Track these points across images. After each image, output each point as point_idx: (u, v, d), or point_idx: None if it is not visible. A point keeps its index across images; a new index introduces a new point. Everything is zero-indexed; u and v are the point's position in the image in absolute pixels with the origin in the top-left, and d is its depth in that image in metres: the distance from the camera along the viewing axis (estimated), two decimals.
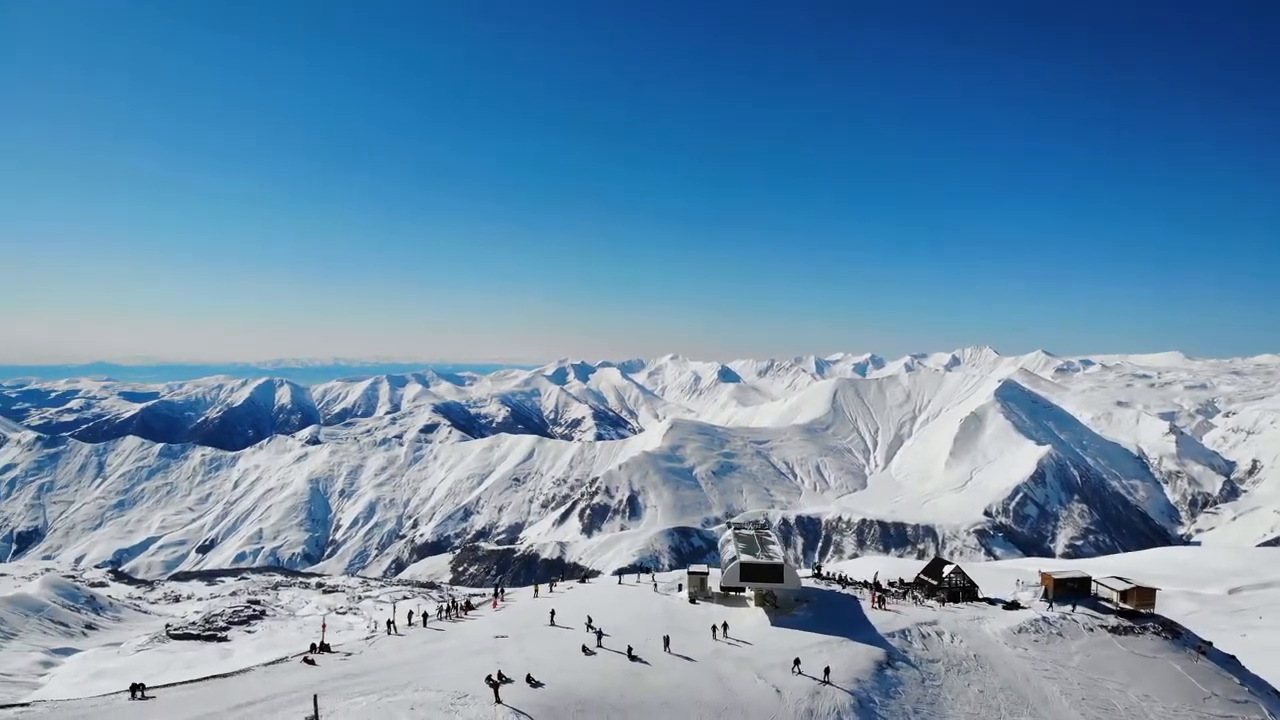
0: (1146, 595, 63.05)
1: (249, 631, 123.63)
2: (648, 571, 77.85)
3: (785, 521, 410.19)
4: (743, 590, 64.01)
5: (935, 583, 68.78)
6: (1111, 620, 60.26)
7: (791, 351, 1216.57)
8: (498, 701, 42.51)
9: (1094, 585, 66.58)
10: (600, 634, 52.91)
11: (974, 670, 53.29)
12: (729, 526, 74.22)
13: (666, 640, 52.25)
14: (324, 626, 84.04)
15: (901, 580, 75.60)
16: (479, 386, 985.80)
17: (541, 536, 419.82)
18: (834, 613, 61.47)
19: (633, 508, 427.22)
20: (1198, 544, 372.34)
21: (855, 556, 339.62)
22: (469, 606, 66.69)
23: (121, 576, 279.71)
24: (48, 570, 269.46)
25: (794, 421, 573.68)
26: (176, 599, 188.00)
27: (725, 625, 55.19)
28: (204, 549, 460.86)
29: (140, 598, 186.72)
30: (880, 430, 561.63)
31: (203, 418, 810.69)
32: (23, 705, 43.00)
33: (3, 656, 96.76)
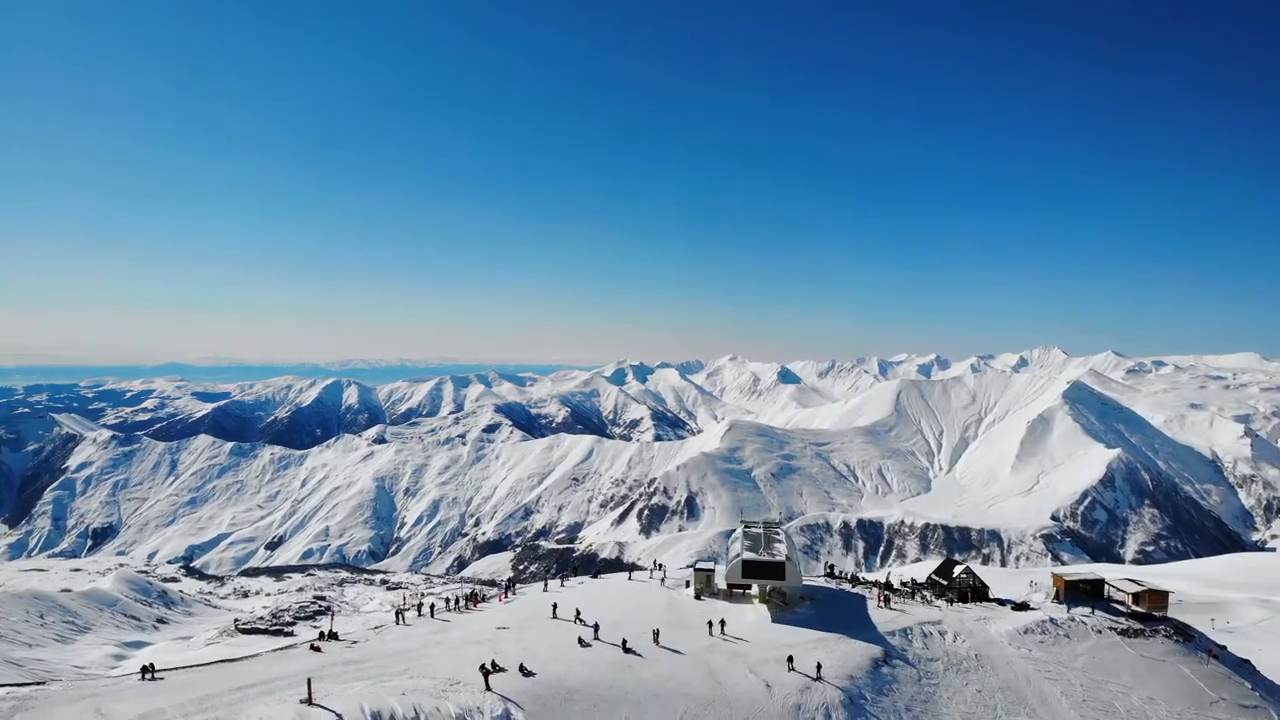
0: (1159, 598, 62.02)
1: (314, 627, 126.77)
2: (660, 567, 78.44)
3: (846, 525, 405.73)
4: (748, 587, 64.50)
5: (945, 583, 68.40)
6: (1122, 623, 59.47)
7: (854, 352, 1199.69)
8: (487, 689, 43.87)
9: (1107, 588, 65.45)
10: (596, 627, 54.02)
11: (974, 670, 53.10)
12: (743, 525, 74.64)
13: (656, 633, 53.18)
14: (332, 616, 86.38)
15: (913, 580, 75.15)
16: (539, 387, 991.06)
17: (600, 536, 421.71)
18: (837, 611, 61.67)
19: (691, 509, 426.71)
20: (1273, 550, 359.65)
21: (918, 560, 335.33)
22: (479, 599, 68.23)
23: (193, 572, 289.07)
24: (121, 566, 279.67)
25: (855, 423, 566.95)
26: (245, 594, 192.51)
27: (723, 622, 55.89)
28: (272, 546, 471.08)
29: (210, 593, 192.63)
30: (944, 433, 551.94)
31: (272, 417, 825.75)
32: (38, 684, 45.67)
33: (77, 649, 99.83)
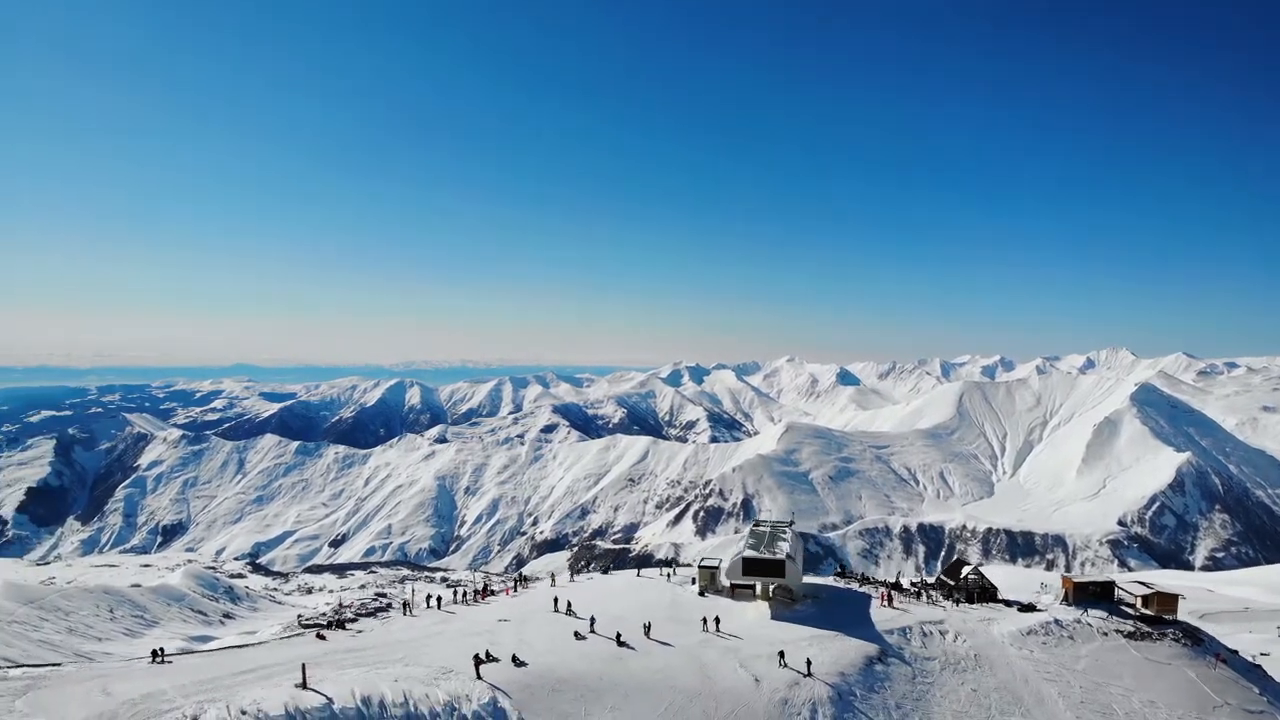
0: (1168, 601, 60.97)
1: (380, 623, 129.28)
2: (669, 565, 79.34)
3: (906, 529, 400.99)
4: (752, 585, 64.95)
5: (953, 583, 68.01)
6: (1129, 625, 58.65)
7: (915, 353, 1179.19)
8: (478, 678, 45.32)
9: (1117, 590, 64.48)
10: (593, 620, 55.13)
11: (971, 670, 52.98)
12: (752, 525, 75.08)
13: (648, 627, 54.14)
14: (340, 604, 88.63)
15: (923, 581, 74.81)
16: (596, 388, 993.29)
17: (656, 537, 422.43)
18: (839, 609, 61.93)
19: (746, 511, 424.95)
20: None
21: (980, 566, 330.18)
22: (488, 592, 69.74)
23: (258, 568, 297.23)
24: (189, 562, 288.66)
25: (916, 426, 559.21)
26: (309, 591, 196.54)
27: (718, 619, 56.54)
28: (336, 543, 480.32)
29: (275, 589, 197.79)
30: (1008, 435, 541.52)
31: (337, 417, 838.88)
32: (53, 665, 48.26)
33: (145, 643, 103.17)
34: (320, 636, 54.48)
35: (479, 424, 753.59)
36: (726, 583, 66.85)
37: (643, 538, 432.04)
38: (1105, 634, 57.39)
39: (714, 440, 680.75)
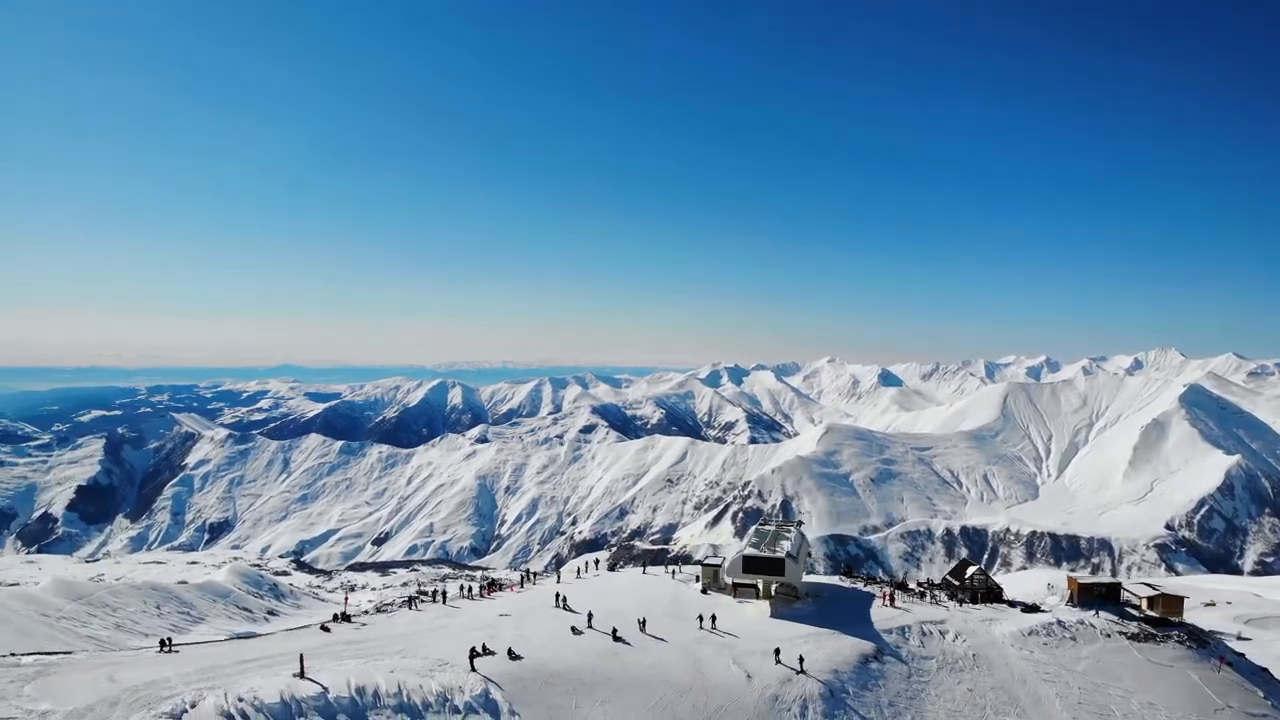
0: (1173, 603, 60.40)
1: None
2: (676, 563, 79.96)
3: (949, 532, 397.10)
4: (755, 584, 65.29)
5: (958, 583, 67.72)
6: (1133, 627, 58.15)
7: (959, 354, 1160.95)
8: (472, 670, 46.32)
9: (1124, 592, 63.83)
10: (590, 615, 55.90)
11: (969, 669, 52.93)
12: (761, 523, 75.45)
13: (643, 622, 54.70)
14: (346, 599, 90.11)
15: (930, 581, 74.55)
16: (635, 388, 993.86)
17: (695, 538, 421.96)
18: (840, 608, 62.10)
19: (786, 512, 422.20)
20: None
21: (1024, 569, 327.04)
22: (495, 587, 70.80)
23: (303, 566, 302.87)
24: (235, 559, 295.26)
25: (960, 428, 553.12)
26: (352, 588, 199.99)
27: (714, 616, 56.97)
28: (379, 541, 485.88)
29: (319, 586, 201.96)
30: (1053, 437, 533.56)
31: (380, 417, 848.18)
32: (66, 653, 50.10)
33: (190, 639, 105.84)
34: (325, 629, 55.90)
35: (519, 424, 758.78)
36: (729, 581, 67.34)
37: (681, 538, 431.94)
38: (1108, 635, 57.02)
39: (753, 441, 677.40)
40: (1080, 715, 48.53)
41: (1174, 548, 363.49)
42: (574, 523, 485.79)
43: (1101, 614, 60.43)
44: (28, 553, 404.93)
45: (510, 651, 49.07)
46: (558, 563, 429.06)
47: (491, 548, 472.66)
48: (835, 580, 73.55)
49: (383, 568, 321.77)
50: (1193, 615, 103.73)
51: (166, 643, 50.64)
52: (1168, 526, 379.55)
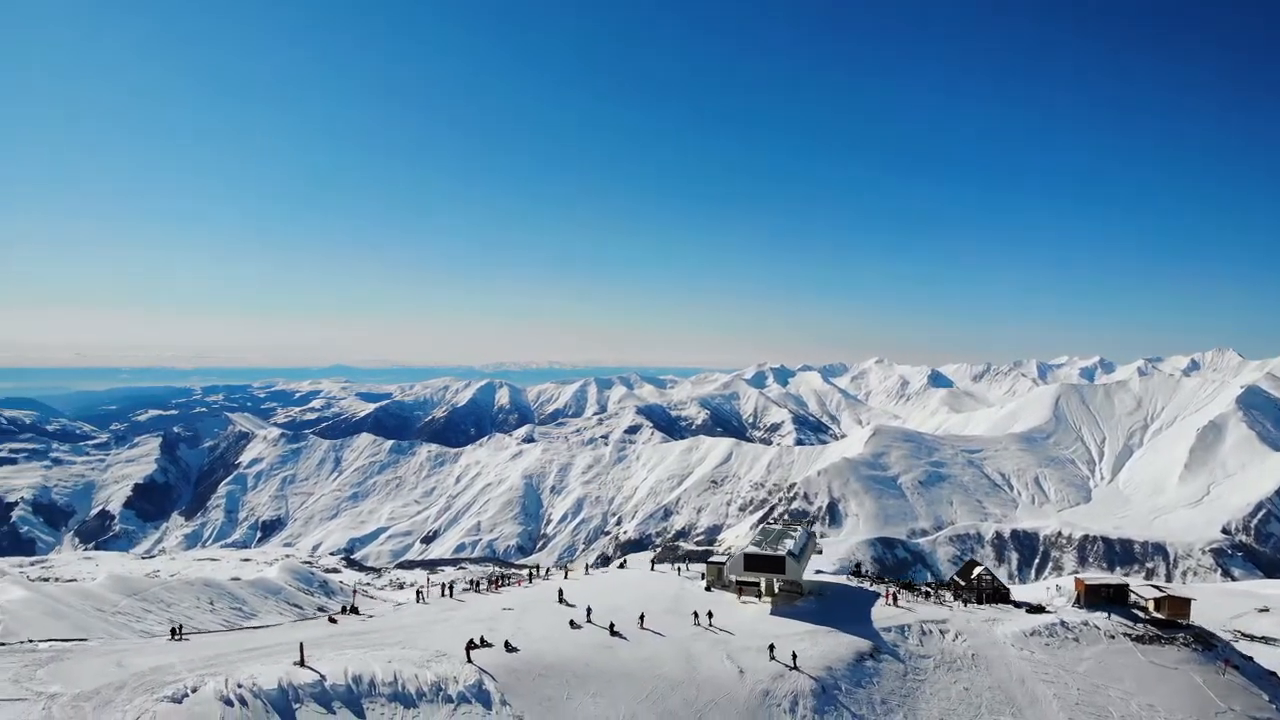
0: (1180, 605, 59.49)
1: None
2: (685, 560, 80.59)
3: (999, 536, 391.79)
4: (757, 581, 65.75)
5: (964, 584, 67.45)
6: (1138, 629, 57.53)
7: (1011, 354, 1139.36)
8: (469, 661, 47.45)
9: (1131, 594, 63.03)
10: (589, 610, 56.89)
11: (967, 669, 52.86)
12: (767, 522, 75.95)
13: (641, 617, 55.40)
14: (355, 592, 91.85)
15: (937, 581, 74.29)
16: (679, 389, 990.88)
17: (740, 539, 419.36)
18: (840, 606, 62.30)
19: (832, 515, 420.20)
20: None
21: (1075, 574, 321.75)
22: (502, 582, 71.99)
23: (353, 564, 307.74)
24: (287, 556, 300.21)
25: (1010, 430, 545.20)
26: (400, 586, 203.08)
27: (710, 613, 57.58)
28: (428, 539, 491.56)
29: (368, 584, 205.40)
30: (1107, 440, 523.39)
31: (429, 417, 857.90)
32: (80, 639, 52.17)
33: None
34: (333, 620, 57.57)
35: (564, 424, 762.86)
36: (732, 578, 67.87)
37: (725, 539, 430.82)
38: (1112, 637, 56.50)
39: (799, 443, 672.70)
40: (1077, 716, 48.27)
41: (1230, 552, 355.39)
42: (619, 523, 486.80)
43: (1106, 615, 59.83)
44: (85, 549, 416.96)
45: (507, 644, 50.20)
46: (603, 563, 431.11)
47: (538, 547, 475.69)
48: (843, 579, 73.57)
49: (431, 565, 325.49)
50: (1247, 622, 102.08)
51: (177, 631, 52.57)
52: (1224, 531, 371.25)
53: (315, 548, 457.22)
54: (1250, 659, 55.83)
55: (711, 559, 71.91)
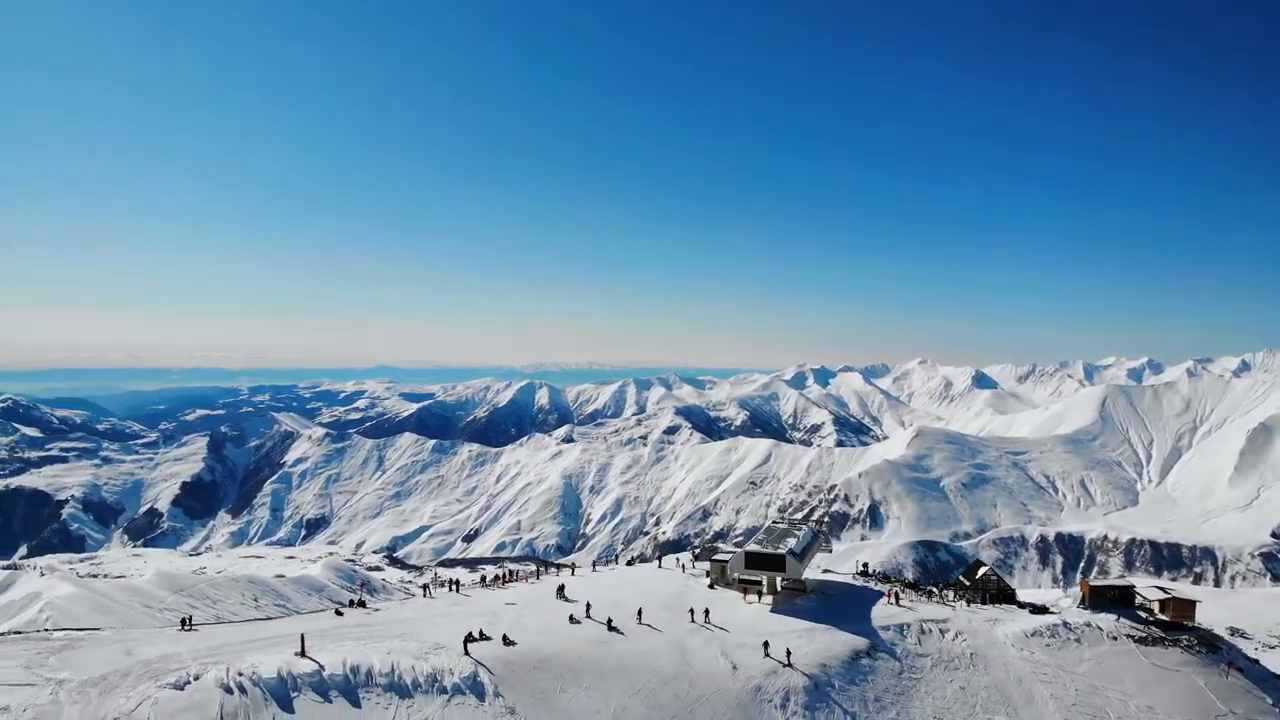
0: (1184, 607, 58.88)
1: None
2: (697, 559, 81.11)
3: (1043, 539, 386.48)
4: (759, 579, 66.18)
5: (969, 584, 67.24)
6: (1141, 630, 57.09)
7: (1057, 355, 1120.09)
8: (466, 653, 48.53)
9: (1137, 596, 62.43)
10: (588, 606, 57.77)
11: (964, 668, 52.86)
12: (774, 522, 76.38)
13: (640, 613, 56.05)
14: (362, 585, 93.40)
15: (944, 581, 74.08)
16: (718, 390, 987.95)
17: None
18: (841, 604, 62.51)
19: (873, 517, 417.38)
20: None
21: (1121, 578, 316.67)
22: (511, 578, 73.16)
23: (395, 562, 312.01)
24: (331, 554, 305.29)
25: (1056, 431, 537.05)
26: (441, 584, 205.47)
27: (707, 610, 58.18)
28: (469, 538, 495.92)
29: (410, 581, 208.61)
30: (1154, 442, 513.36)
31: (471, 416, 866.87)
32: (93, 629, 54.01)
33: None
34: (339, 613, 59.01)
35: (603, 424, 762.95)
36: (735, 576, 68.34)
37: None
38: (1115, 638, 56.11)
39: (840, 444, 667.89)
40: (1073, 716, 48.14)
41: None
42: (657, 523, 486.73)
43: (1110, 616, 59.42)
44: (134, 547, 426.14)
45: (505, 637, 51.21)
46: (642, 563, 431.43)
47: (577, 546, 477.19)
48: (850, 579, 73.69)
49: (472, 564, 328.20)
50: None
51: (187, 621, 54.27)
52: (1274, 535, 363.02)
53: (359, 546, 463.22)
54: (1256, 662, 55.21)
55: (715, 557, 72.53)
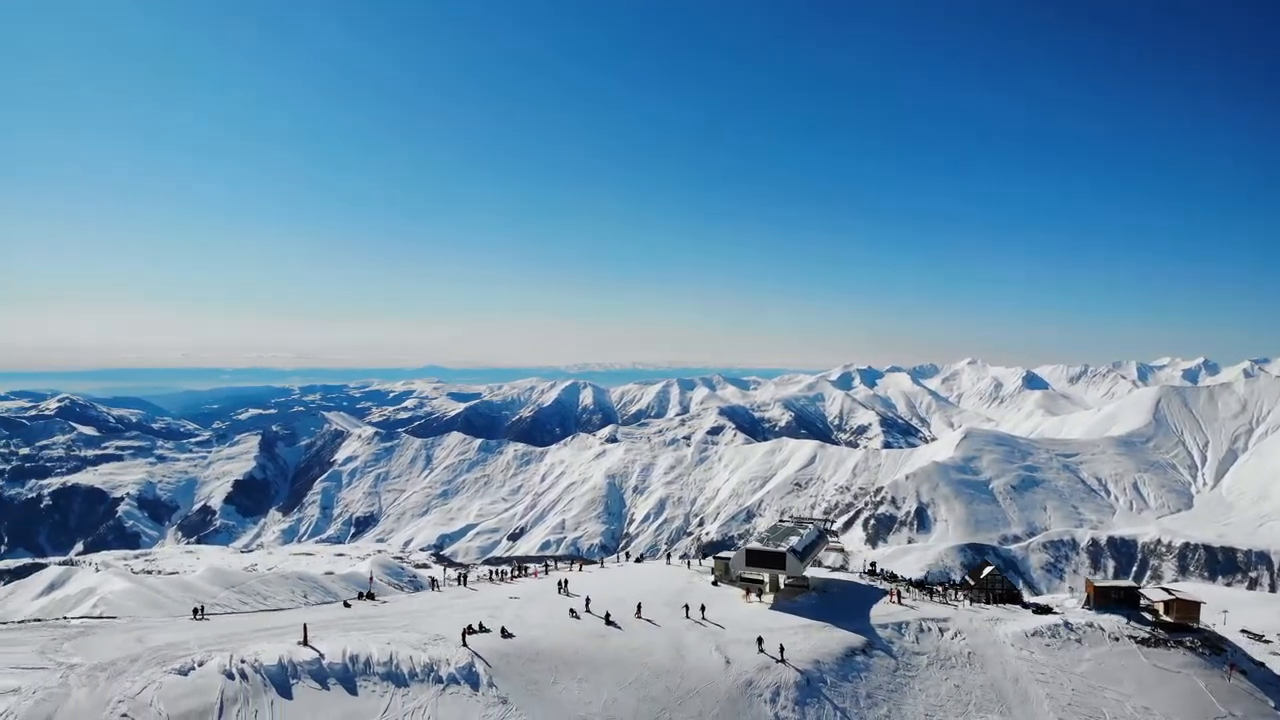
0: (1188, 608, 58.20)
1: None
2: (705, 557, 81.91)
3: (1095, 542, 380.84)
4: (760, 576, 66.80)
5: (975, 584, 67.18)
6: (1144, 631, 56.61)
7: (1110, 355, 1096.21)
8: (463, 645, 49.81)
9: (1143, 597, 61.86)
10: (588, 600, 58.85)
11: (961, 667, 53.01)
12: (779, 520, 76.87)
13: (639, 608, 56.94)
14: (372, 579, 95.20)
15: (951, 581, 73.91)
16: (763, 390, 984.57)
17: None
18: (842, 602, 62.86)
19: (921, 520, 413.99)
20: None
21: (1175, 583, 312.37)
22: (521, 573, 74.56)
23: (441, 559, 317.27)
24: (379, 552, 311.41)
25: (1108, 433, 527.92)
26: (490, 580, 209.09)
27: (703, 606, 58.97)
28: (514, 536, 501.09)
29: (499, 583, 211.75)
30: (1210, 444, 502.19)
31: (517, 416, 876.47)
32: (111, 617, 56.20)
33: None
34: (347, 605, 60.74)
35: (647, 424, 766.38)
36: (737, 573, 68.98)
37: None
38: (1117, 639, 55.82)
39: (887, 446, 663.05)
40: (1067, 716, 48.05)
41: None
42: (700, 524, 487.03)
43: (1114, 617, 59.00)
44: (187, 543, 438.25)
45: (503, 630, 52.42)
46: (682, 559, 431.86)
47: (620, 546, 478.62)
48: (855, 578, 73.92)
49: (517, 563, 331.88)
50: None
51: (199, 611, 56.32)
52: None
53: (406, 543, 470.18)
54: (1262, 665, 54.48)
55: (719, 554, 73.39)
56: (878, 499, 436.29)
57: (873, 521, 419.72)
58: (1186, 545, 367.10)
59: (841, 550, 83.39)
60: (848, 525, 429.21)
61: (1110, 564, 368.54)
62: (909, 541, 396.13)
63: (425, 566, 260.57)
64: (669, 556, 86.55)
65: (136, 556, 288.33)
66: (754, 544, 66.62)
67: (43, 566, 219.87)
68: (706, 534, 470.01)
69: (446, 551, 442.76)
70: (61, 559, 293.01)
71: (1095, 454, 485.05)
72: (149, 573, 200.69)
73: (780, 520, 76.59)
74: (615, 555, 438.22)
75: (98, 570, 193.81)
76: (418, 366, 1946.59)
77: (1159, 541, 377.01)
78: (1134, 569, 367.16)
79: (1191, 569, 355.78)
